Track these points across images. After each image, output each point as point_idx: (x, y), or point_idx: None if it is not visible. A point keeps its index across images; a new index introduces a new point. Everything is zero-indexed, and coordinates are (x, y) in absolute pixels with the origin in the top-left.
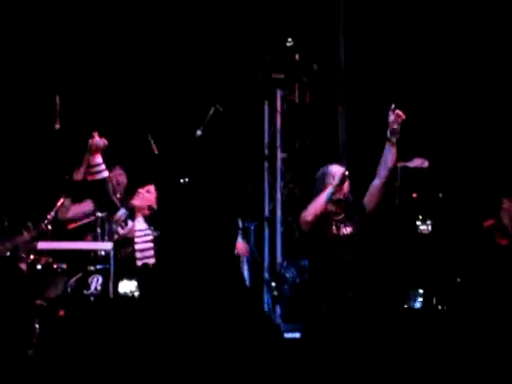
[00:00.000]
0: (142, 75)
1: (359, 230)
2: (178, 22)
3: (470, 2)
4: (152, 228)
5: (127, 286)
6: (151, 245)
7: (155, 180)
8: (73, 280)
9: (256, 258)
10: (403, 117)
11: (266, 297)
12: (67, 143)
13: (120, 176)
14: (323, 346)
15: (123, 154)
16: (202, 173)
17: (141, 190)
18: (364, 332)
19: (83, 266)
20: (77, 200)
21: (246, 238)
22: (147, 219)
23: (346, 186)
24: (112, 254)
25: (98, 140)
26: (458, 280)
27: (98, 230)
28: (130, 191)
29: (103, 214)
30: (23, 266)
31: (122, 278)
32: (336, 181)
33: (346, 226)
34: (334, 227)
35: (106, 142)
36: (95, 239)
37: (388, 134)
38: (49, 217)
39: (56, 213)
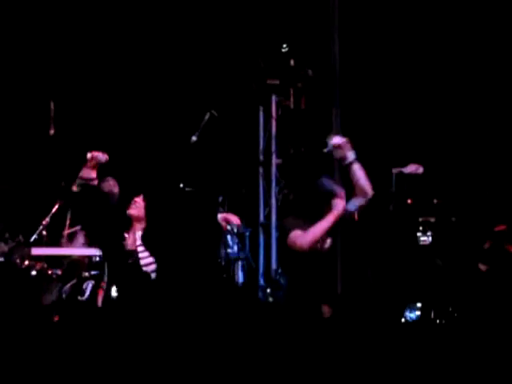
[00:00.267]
0: (137, 81)
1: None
2: (174, 29)
3: (466, 3)
4: None
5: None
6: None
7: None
8: (67, 286)
9: (251, 264)
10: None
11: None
12: (61, 149)
13: (113, 187)
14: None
15: (118, 161)
16: (197, 178)
17: (137, 199)
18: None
19: (78, 272)
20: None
21: (241, 243)
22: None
23: None
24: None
25: (101, 155)
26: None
27: None
28: (125, 201)
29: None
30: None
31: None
32: (339, 210)
33: (327, 239)
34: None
35: (107, 158)
36: (89, 245)
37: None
38: (44, 223)
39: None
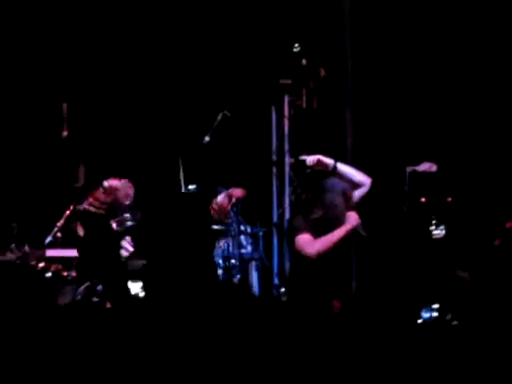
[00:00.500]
0: (150, 82)
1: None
2: (186, 29)
3: (478, 4)
4: None
5: (132, 288)
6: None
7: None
8: (82, 288)
9: (265, 264)
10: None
11: None
12: (75, 151)
13: (129, 189)
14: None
15: (130, 162)
16: (210, 179)
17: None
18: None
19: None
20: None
21: (255, 243)
22: None
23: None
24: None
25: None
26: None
27: None
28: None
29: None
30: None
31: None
32: (350, 225)
33: None
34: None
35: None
36: None
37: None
38: (58, 224)
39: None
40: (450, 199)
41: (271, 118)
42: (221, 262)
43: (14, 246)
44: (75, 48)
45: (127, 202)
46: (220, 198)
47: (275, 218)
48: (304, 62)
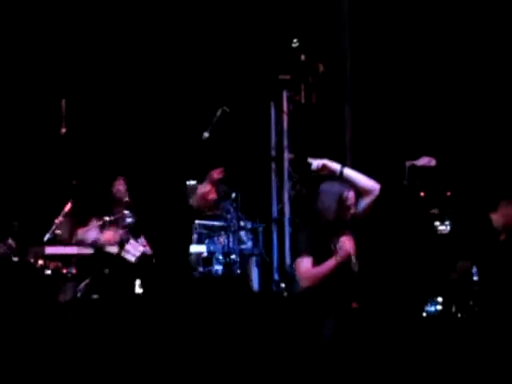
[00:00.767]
0: (148, 78)
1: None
2: (185, 25)
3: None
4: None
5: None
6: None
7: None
8: (82, 285)
9: (265, 259)
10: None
11: None
12: (73, 148)
13: (121, 186)
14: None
15: (129, 159)
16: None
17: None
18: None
19: (92, 270)
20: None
21: (255, 239)
22: None
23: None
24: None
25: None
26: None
27: None
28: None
29: (111, 218)
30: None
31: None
32: (340, 257)
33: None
34: (332, 245)
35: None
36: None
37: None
38: (57, 221)
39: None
40: (449, 193)
41: (270, 113)
42: (221, 257)
43: (11, 240)
44: (74, 45)
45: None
46: (201, 185)
47: (275, 214)
48: (303, 57)
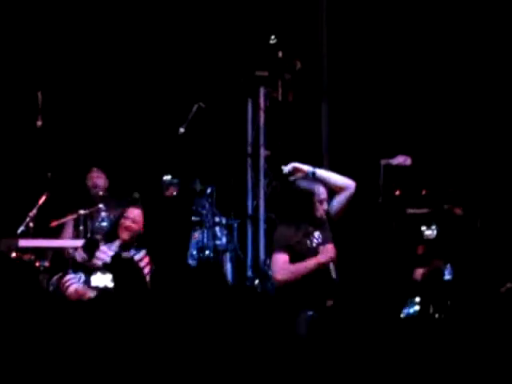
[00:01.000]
0: (125, 72)
1: (329, 236)
2: (162, 21)
3: None
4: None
5: (101, 280)
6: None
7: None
8: (55, 278)
9: (239, 256)
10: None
11: None
12: (49, 141)
13: (97, 179)
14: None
15: (105, 154)
16: (184, 170)
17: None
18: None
19: (65, 263)
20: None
21: (230, 235)
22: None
23: (325, 204)
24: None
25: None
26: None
27: (81, 228)
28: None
29: (86, 212)
30: None
31: (95, 272)
32: (322, 259)
33: (315, 237)
34: (308, 241)
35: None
36: (78, 236)
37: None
38: (31, 214)
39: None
40: (424, 192)
41: (247, 109)
42: (195, 253)
43: None
44: (50, 37)
45: (100, 192)
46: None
47: (250, 210)
48: (280, 54)
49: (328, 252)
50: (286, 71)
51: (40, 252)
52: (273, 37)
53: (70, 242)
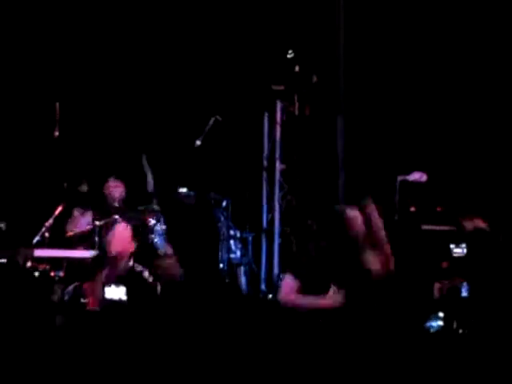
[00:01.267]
0: (142, 84)
1: None
2: (180, 34)
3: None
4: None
5: (115, 292)
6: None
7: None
8: (70, 288)
9: (253, 269)
10: None
11: None
12: (66, 151)
13: (115, 188)
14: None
15: (121, 165)
16: (201, 183)
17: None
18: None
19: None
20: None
21: (244, 249)
22: None
23: None
24: None
25: None
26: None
27: (96, 239)
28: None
29: (101, 223)
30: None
31: (109, 284)
32: (334, 303)
33: None
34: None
35: None
36: (92, 247)
37: None
38: (47, 224)
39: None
40: (439, 209)
41: (263, 123)
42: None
43: None
44: (69, 48)
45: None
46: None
47: (265, 224)
48: (297, 68)
49: (338, 297)
50: (302, 85)
51: (55, 262)
52: (290, 51)
53: (84, 253)
